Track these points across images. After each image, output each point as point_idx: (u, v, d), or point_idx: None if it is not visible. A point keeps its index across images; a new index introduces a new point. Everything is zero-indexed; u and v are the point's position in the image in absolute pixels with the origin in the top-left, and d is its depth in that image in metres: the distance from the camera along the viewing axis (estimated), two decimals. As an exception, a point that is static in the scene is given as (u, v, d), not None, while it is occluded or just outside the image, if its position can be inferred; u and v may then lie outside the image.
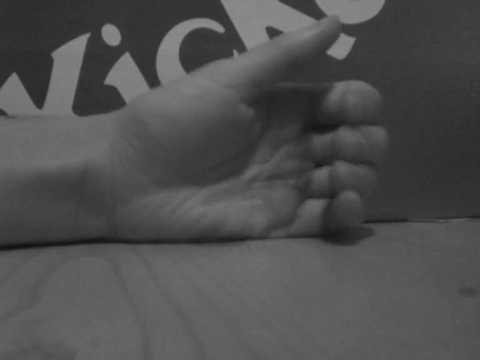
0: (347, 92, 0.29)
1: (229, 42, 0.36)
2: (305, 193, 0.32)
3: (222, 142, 0.28)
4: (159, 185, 0.28)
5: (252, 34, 0.36)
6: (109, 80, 0.35)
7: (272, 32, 0.36)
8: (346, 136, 0.29)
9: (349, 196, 0.28)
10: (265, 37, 0.36)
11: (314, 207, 0.31)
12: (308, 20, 0.36)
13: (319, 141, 0.31)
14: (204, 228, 0.29)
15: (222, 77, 0.27)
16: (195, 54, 0.35)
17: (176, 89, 0.28)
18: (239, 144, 0.30)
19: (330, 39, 0.29)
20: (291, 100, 0.31)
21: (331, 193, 0.29)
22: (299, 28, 0.36)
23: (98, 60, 0.35)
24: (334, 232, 0.31)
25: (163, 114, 0.27)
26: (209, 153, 0.28)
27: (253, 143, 0.30)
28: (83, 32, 0.35)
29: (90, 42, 0.35)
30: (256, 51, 0.28)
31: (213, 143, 0.28)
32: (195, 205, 0.29)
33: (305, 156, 0.31)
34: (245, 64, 0.28)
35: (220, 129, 0.28)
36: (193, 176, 0.29)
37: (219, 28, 0.35)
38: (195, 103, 0.27)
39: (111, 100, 0.34)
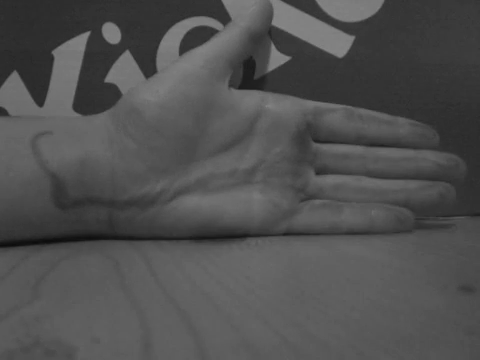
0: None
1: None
2: (304, 193, 0.32)
3: (213, 126, 0.30)
4: (157, 174, 0.29)
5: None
6: (109, 78, 0.35)
7: (272, 30, 0.36)
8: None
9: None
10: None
11: (316, 203, 0.32)
12: (308, 18, 0.36)
13: (323, 150, 0.32)
14: (200, 220, 0.29)
15: (198, 59, 0.30)
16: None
17: (162, 76, 0.30)
18: (230, 132, 0.30)
19: (271, 8, 0.33)
20: (286, 108, 0.32)
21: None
22: (299, 26, 0.36)
23: (98, 58, 0.35)
24: (337, 231, 0.31)
25: (154, 101, 0.28)
26: (203, 138, 0.30)
27: (246, 136, 0.31)
28: (83, 30, 0.35)
29: (90, 40, 0.35)
30: (221, 33, 0.31)
31: (204, 126, 0.30)
32: (191, 196, 0.29)
33: (301, 160, 0.32)
34: (214, 45, 0.31)
35: (207, 111, 0.30)
36: (190, 165, 0.29)
37: (219, 26, 0.35)
38: (179, 86, 0.29)
39: (111, 98, 0.34)
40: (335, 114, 0.32)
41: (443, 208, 0.33)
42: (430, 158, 0.32)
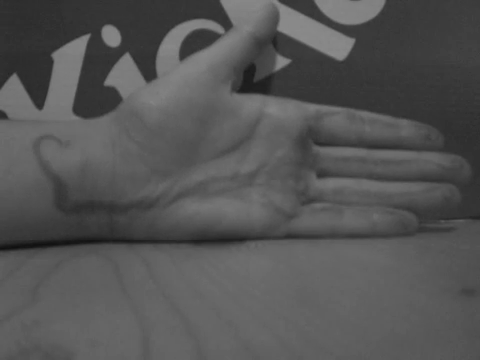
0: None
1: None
2: (305, 196, 0.32)
3: (214, 130, 0.30)
4: (159, 176, 0.29)
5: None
6: (109, 81, 0.35)
7: (272, 33, 0.36)
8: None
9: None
10: (265, 38, 0.36)
11: (317, 207, 0.32)
12: (308, 21, 0.36)
13: (324, 153, 0.32)
14: (200, 224, 0.29)
15: (201, 64, 0.30)
16: (195, 55, 0.35)
17: (165, 80, 0.30)
18: (232, 135, 0.30)
19: (277, 14, 0.33)
20: (288, 112, 0.32)
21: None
22: (299, 29, 0.36)
23: (98, 61, 0.35)
24: (338, 235, 0.31)
25: (155, 104, 0.29)
26: (204, 142, 0.30)
27: (247, 140, 0.31)
28: (83, 33, 0.35)
29: (90, 43, 0.35)
30: (226, 38, 0.31)
31: (206, 130, 0.30)
32: (191, 200, 0.29)
33: (303, 164, 0.32)
34: (218, 50, 0.31)
35: (209, 115, 0.30)
36: (192, 169, 0.29)
37: (219, 29, 0.35)
38: (181, 90, 0.29)
39: (111, 101, 0.34)
40: (336, 117, 0.32)
41: (447, 211, 0.33)
42: (433, 160, 0.32)
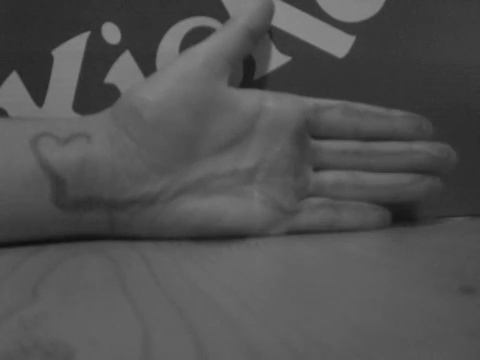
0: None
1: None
2: (304, 191, 0.32)
3: (213, 125, 0.30)
4: (158, 173, 0.29)
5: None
6: (109, 78, 0.35)
7: (272, 30, 0.36)
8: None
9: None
10: (265, 35, 0.36)
11: (315, 203, 0.32)
12: (308, 18, 0.36)
13: (321, 147, 0.33)
14: (200, 220, 0.29)
15: (197, 58, 0.30)
16: (195, 52, 0.35)
17: (162, 75, 0.30)
18: (230, 131, 0.30)
19: (272, 5, 0.33)
20: (286, 106, 0.32)
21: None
22: (299, 26, 0.36)
23: (98, 58, 0.35)
24: (334, 229, 0.32)
25: (153, 100, 0.29)
26: (203, 137, 0.30)
27: (246, 135, 0.31)
28: (83, 30, 0.35)
29: (90, 40, 0.35)
30: (220, 31, 0.31)
31: (204, 125, 0.30)
32: (191, 196, 0.29)
33: (301, 158, 0.32)
34: (213, 43, 0.31)
35: (206, 109, 0.30)
36: (191, 165, 0.29)
37: (219, 26, 0.35)
38: (178, 84, 0.29)
39: (111, 98, 0.34)
40: (333, 111, 0.32)
41: (430, 200, 0.35)
42: (423, 150, 0.33)
